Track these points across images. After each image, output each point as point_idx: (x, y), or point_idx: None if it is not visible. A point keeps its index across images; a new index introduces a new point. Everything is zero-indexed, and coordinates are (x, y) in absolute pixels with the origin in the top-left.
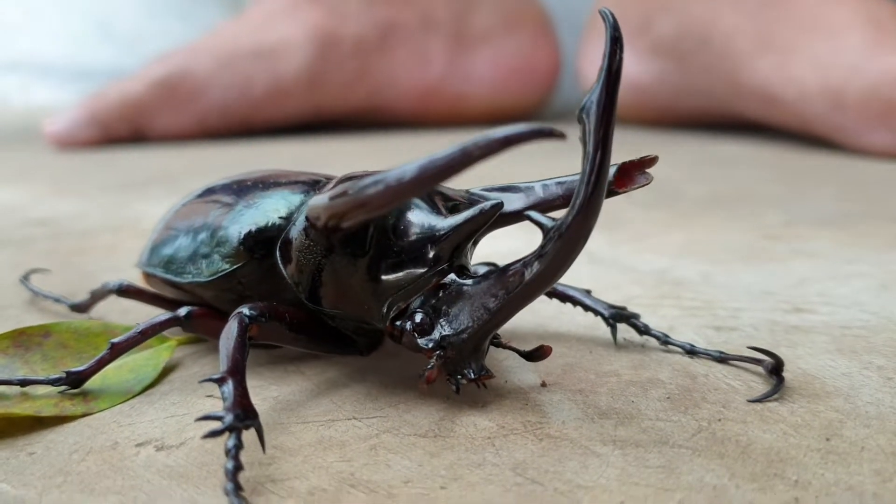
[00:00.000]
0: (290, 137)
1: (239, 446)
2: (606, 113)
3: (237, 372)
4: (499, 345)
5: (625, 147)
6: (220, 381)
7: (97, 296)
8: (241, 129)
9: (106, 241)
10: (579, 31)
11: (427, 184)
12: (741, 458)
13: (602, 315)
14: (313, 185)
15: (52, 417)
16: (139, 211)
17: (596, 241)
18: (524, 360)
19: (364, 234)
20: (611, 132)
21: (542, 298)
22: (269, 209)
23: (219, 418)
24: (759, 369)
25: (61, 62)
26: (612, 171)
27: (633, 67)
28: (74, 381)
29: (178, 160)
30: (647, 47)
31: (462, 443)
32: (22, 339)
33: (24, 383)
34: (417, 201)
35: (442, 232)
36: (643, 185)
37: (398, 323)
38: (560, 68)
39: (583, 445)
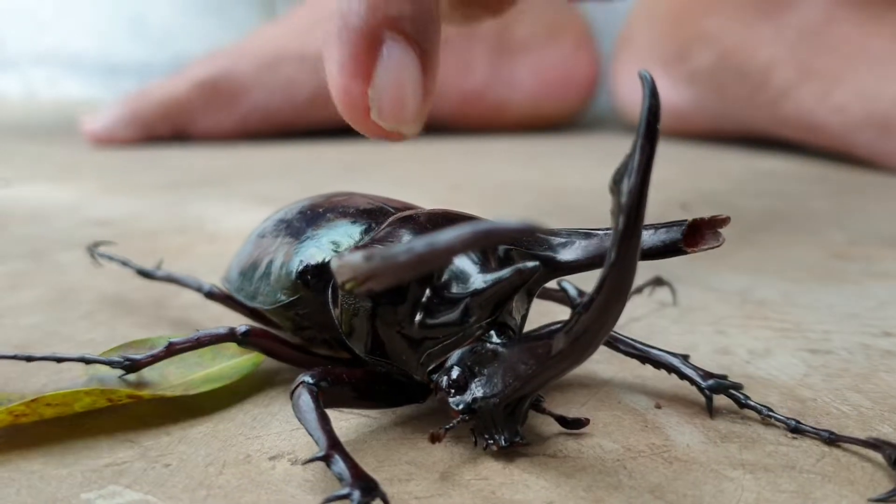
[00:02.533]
0: (332, 140)
1: None
2: (638, 194)
3: (336, 444)
4: (540, 410)
5: (666, 162)
6: (325, 460)
7: (175, 280)
8: (282, 132)
9: (174, 243)
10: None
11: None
12: (871, 485)
13: (698, 385)
14: (378, 216)
15: (155, 396)
16: (198, 213)
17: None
18: (632, 379)
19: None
20: (642, 212)
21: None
22: (327, 243)
23: (345, 496)
24: (878, 456)
25: (91, 57)
26: (681, 229)
27: (671, 94)
28: (130, 366)
29: (223, 160)
30: (685, 76)
31: (593, 464)
32: (130, 352)
33: (86, 361)
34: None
35: (479, 288)
36: (714, 247)
37: (434, 376)
38: (599, 78)
39: (713, 469)
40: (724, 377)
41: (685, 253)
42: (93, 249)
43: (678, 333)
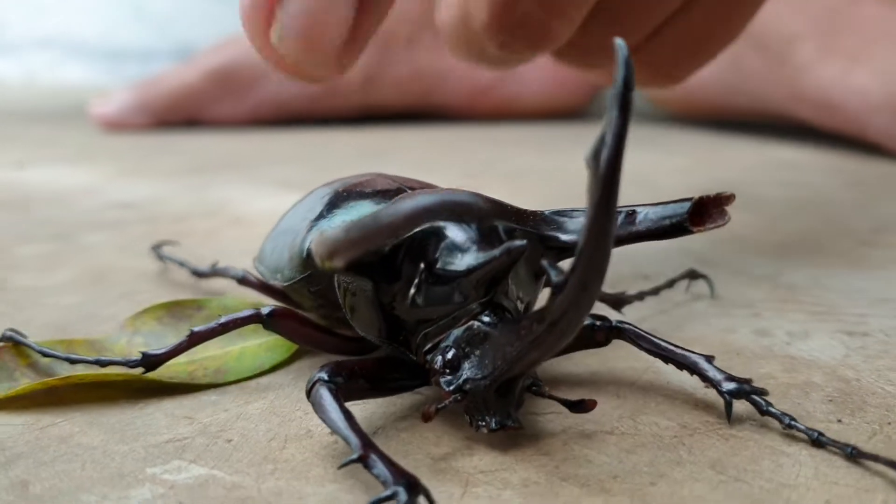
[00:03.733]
0: (344, 127)
1: None
2: (612, 167)
3: (369, 443)
4: (538, 393)
5: (679, 149)
6: (361, 461)
7: (218, 272)
8: (293, 121)
9: (201, 227)
10: None
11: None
12: None
13: (718, 389)
14: (393, 196)
15: (182, 385)
16: (221, 197)
17: (700, 242)
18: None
19: (393, 261)
20: (616, 185)
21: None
22: (339, 221)
23: (391, 497)
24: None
25: (92, 41)
26: (686, 206)
27: None
28: (150, 363)
29: (238, 146)
30: None
31: (652, 441)
32: (176, 311)
33: (100, 363)
34: (459, 227)
35: (470, 267)
36: (720, 226)
37: (428, 356)
38: None
39: (768, 445)
40: (747, 381)
41: (690, 232)
42: (157, 250)
43: (716, 316)
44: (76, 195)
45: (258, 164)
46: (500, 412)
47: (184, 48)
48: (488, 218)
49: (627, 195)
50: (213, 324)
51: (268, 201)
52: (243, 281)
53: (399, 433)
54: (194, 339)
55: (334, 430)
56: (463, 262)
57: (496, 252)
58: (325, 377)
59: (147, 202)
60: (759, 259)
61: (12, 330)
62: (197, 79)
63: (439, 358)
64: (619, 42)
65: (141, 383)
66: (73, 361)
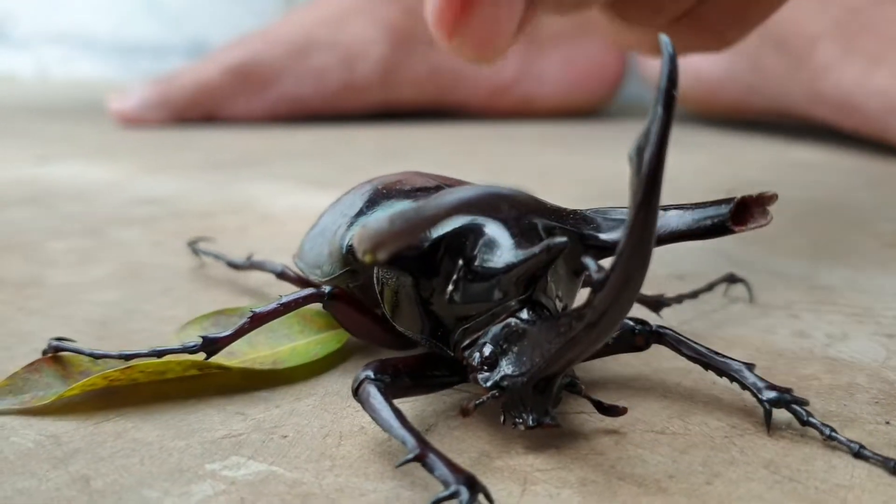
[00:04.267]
0: (362, 124)
1: None
2: (655, 163)
3: (424, 442)
4: (575, 392)
5: (697, 146)
6: (419, 460)
7: (256, 266)
8: (311, 118)
9: (230, 223)
10: None
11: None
12: None
13: (758, 397)
14: (434, 192)
15: (241, 370)
16: (246, 193)
17: (732, 242)
18: None
19: (433, 256)
20: (659, 181)
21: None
22: (378, 217)
23: (452, 496)
24: None
25: (105, 36)
26: (728, 206)
27: (703, 62)
28: (210, 348)
29: (258, 142)
30: None
31: (703, 441)
32: (220, 319)
33: (160, 354)
34: (499, 223)
35: (509, 264)
36: (762, 226)
37: (467, 353)
38: (627, 68)
39: (820, 446)
40: (788, 390)
41: (732, 232)
42: (194, 245)
43: (754, 318)
44: (101, 191)
45: (277, 160)
46: (538, 409)
47: (197, 43)
48: (528, 215)
49: None
50: (273, 304)
51: (292, 198)
52: (282, 275)
53: (451, 430)
54: (255, 321)
55: (387, 430)
56: (502, 258)
57: (536, 249)
58: (372, 375)
59: (172, 198)
60: (793, 260)
61: (58, 339)
62: (216, 75)
63: (477, 354)
64: (664, 38)
65: (195, 379)
66: (128, 357)
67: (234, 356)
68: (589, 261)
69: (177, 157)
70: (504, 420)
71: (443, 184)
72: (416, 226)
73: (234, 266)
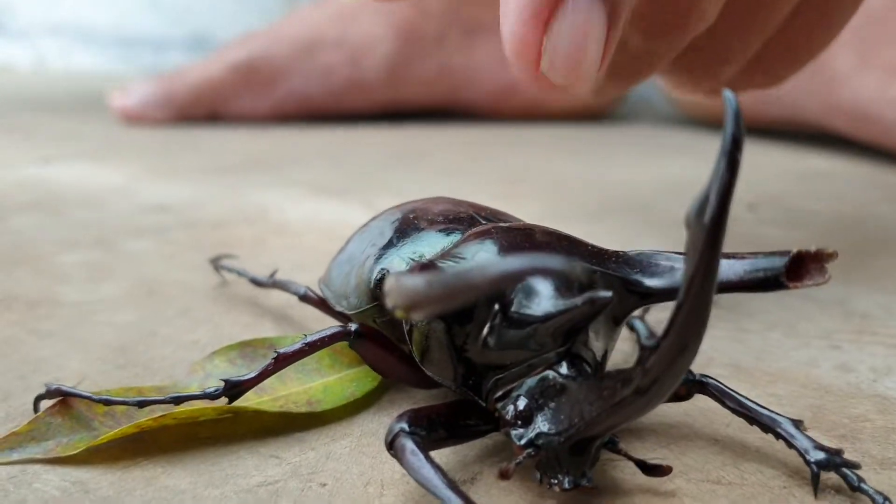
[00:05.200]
0: (369, 124)
1: None
2: (716, 229)
3: (464, 497)
4: (615, 451)
5: (711, 154)
6: None
7: (279, 285)
8: (317, 117)
9: (246, 234)
10: None
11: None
12: None
13: (806, 459)
14: (463, 227)
15: (275, 414)
16: (258, 201)
17: None
18: (766, 398)
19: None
20: (719, 248)
21: None
22: (408, 252)
23: None
24: None
25: (105, 29)
26: (783, 260)
27: None
28: (233, 392)
29: (263, 144)
30: None
31: (760, 491)
32: (247, 351)
33: (177, 401)
34: (540, 269)
35: (548, 315)
36: (819, 284)
37: (500, 404)
38: None
39: (886, 494)
40: (838, 452)
41: (786, 288)
42: (217, 263)
43: (794, 348)
44: (108, 196)
45: (286, 163)
46: (574, 470)
47: (198, 38)
48: (570, 259)
49: (665, 202)
50: (298, 344)
51: (305, 206)
52: (305, 298)
53: (497, 480)
54: (280, 362)
55: (429, 489)
56: (541, 307)
57: (578, 300)
58: (407, 428)
59: (182, 205)
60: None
61: (58, 384)
62: (221, 73)
63: (511, 407)
64: (728, 94)
65: (228, 422)
66: (141, 405)
67: (265, 391)
68: (639, 325)
69: (183, 159)
70: (540, 480)
71: (476, 215)
72: (455, 295)
73: (258, 283)
